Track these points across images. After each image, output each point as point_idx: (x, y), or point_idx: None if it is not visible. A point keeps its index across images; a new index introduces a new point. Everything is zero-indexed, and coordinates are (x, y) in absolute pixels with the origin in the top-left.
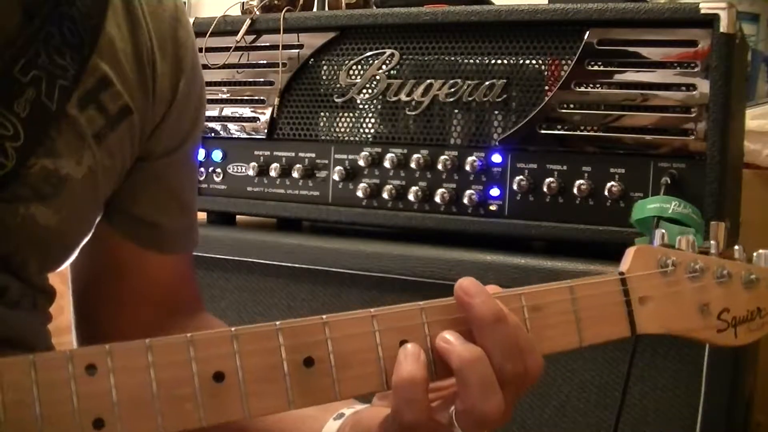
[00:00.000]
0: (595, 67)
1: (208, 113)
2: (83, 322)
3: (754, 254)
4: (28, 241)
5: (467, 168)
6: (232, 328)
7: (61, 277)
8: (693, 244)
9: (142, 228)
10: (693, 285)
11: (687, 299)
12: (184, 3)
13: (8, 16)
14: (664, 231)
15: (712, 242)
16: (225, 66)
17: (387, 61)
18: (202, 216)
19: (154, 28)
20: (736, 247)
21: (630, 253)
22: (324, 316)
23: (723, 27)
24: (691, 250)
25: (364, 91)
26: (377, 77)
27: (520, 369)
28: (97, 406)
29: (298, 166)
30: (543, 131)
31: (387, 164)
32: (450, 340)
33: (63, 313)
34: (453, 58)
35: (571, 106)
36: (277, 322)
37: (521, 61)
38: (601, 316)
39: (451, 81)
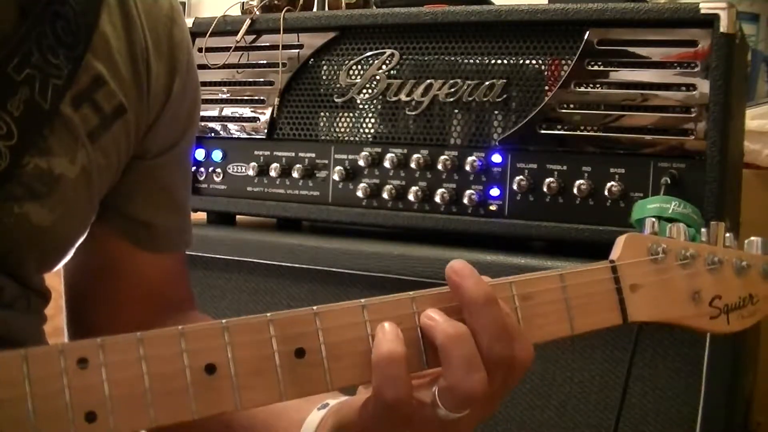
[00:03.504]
0: (595, 67)
1: (208, 113)
2: (75, 320)
3: (746, 241)
4: (23, 241)
5: (467, 168)
6: (223, 320)
7: (59, 277)
8: (684, 232)
9: (135, 227)
10: (684, 272)
11: (678, 286)
12: (184, 3)
13: (4, 15)
14: (654, 220)
15: (703, 230)
16: (225, 66)
17: (387, 61)
18: (202, 216)
19: (149, 27)
20: (727, 234)
21: (620, 241)
22: (314, 307)
23: (723, 27)
24: (682, 239)
25: (364, 91)
26: (377, 77)
27: (508, 352)
28: (90, 400)
29: (298, 166)
30: (543, 131)
31: (387, 164)
32: (434, 317)
33: (61, 313)
34: (453, 58)
35: (571, 106)
36: (268, 314)
37: (521, 61)
38: (593, 304)
39: (451, 81)
